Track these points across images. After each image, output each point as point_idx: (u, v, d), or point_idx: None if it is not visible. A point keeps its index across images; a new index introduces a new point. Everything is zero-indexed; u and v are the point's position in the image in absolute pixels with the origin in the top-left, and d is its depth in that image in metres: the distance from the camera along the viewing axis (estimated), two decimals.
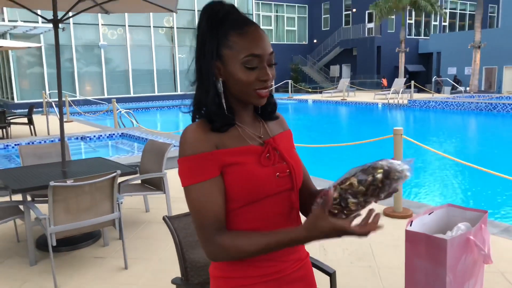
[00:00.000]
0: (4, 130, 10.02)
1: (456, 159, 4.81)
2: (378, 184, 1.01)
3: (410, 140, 4.78)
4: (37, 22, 18.19)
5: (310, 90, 28.49)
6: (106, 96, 21.57)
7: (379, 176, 1.00)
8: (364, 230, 1.01)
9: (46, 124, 11.18)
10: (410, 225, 1.44)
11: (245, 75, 1.10)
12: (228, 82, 1.13)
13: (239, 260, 1.13)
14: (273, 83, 1.21)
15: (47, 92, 19.38)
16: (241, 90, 1.13)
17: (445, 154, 4.83)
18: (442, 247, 1.29)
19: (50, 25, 3.94)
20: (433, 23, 33.86)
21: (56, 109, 10.27)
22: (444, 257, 1.27)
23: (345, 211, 1.03)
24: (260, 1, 31.26)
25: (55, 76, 22.40)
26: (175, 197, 5.00)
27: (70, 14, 4.05)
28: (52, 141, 8.49)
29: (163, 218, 2.16)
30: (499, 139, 12.14)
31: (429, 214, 1.56)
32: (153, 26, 23.69)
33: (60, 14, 3.99)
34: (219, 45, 1.12)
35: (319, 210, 1.02)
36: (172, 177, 4.46)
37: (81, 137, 9.74)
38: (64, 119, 11.82)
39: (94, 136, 9.85)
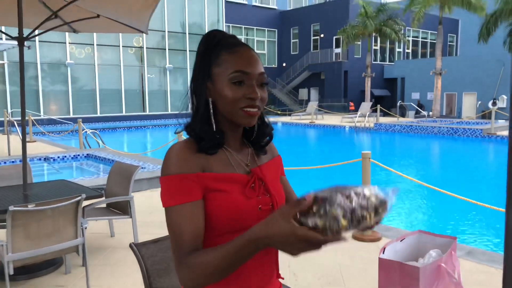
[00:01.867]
0: None
1: (422, 182, 4.93)
2: (366, 221, 0.91)
3: (378, 164, 4.87)
4: (1, 38, 17.70)
5: (279, 112, 28.80)
6: (71, 115, 21.03)
7: (368, 219, 0.90)
8: (327, 238, 0.87)
9: (7, 144, 10.75)
10: (383, 253, 1.44)
11: (231, 91, 1.09)
12: (217, 101, 1.13)
13: (208, 284, 1.00)
14: (263, 106, 1.21)
15: (9, 110, 18.73)
16: (228, 109, 1.11)
17: (412, 178, 4.94)
18: (415, 275, 1.29)
19: (14, 42, 3.82)
20: (397, 49, 35.21)
21: (18, 129, 9.90)
22: (417, 285, 1.27)
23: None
24: (231, 24, 31.66)
25: (17, 94, 21.77)
26: (141, 222, 4.87)
27: (37, 32, 3.94)
28: (13, 162, 8.14)
29: (130, 246, 2.08)
30: (460, 163, 12.59)
31: (401, 240, 1.57)
32: (122, 46, 23.50)
33: (26, 32, 3.88)
34: (210, 65, 1.13)
35: (287, 207, 0.90)
36: (139, 200, 4.35)
37: (45, 158, 9.40)
38: (27, 139, 11.45)
39: (58, 157, 9.53)
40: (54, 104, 21.66)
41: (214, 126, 1.13)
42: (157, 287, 2.03)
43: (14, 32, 3.90)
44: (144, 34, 4.95)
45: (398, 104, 28.75)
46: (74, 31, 4.77)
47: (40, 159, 9.31)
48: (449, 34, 36.48)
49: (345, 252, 4.09)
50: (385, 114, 25.10)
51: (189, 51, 26.10)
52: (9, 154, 10.03)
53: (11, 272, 2.92)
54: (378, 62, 33.40)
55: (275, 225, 0.90)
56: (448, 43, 37.09)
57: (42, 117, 19.45)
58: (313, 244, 0.87)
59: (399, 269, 1.35)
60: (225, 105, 1.11)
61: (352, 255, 4.03)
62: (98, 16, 4.31)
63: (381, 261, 1.39)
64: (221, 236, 1.10)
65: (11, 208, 2.84)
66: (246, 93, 1.09)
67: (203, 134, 1.11)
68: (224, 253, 0.96)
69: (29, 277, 3.51)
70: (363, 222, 0.89)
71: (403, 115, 27.06)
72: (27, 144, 8.89)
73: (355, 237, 4.48)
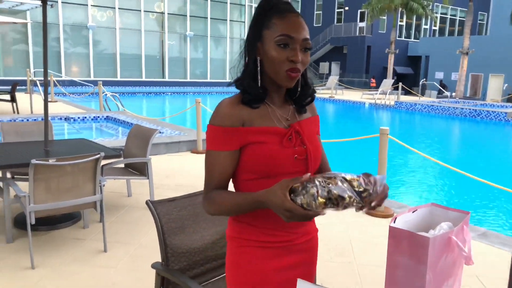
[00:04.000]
0: None
1: (439, 161, 4.88)
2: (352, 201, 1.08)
3: (396, 141, 4.83)
4: None
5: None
6: (92, 78, 21.22)
7: (348, 199, 1.07)
8: (308, 213, 1.05)
9: (29, 103, 10.96)
10: (394, 222, 1.45)
11: (276, 52, 1.21)
12: (264, 61, 1.25)
13: (219, 215, 1.27)
14: (304, 70, 1.31)
15: (32, 70, 18.98)
16: (273, 69, 1.24)
17: (428, 156, 4.89)
18: (424, 245, 1.30)
19: (37, 2, 3.84)
20: (423, 26, 34.17)
21: (40, 88, 10.07)
22: (426, 255, 1.28)
23: (307, 206, 1.07)
24: None
25: (40, 55, 22.04)
26: (157, 184, 4.98)
27: None
28: (35, 119, 8.32)
29: (146, 203, 2.14)
30: (481, 145, 12.37)
31: (413, 212, 1.58)
32: (144, 11, 23.35)
33: None
34: (262, 27, 1.24)
35: (286, 181, 1.09)
36: (156, 164, 4.42)
37: (65, 118, 9.58)
38: (49, 99, 11.62)
39: (79, 117, 9.70)
40: (75, 66, 21.86)
41: (259, 83, 1.26)
42: (171, 243, 2.10)
43: None
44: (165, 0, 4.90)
45: (420, 83, 28.15)
46: None
47: (60, 119, 9.50)
48: (479, 12, 35.14)
49: (357, 227, 4.12)
50: (406, 93, 24.65)
51: (210, 18, 25.78)
52: (31, 112, 10.25)
53: (33, 222, 3.04)
54: (403, 38, 32.53)
55: (272, 194, 1.09)
56: (478, 21, 35.78)
57: (63, 78, 19.66)
58: (298, 216, 1.06)
59: (408, 238, 1.37)
60: (270, 65, 1.24)
61: (363, 230, 4.06)
62: None
63: (391, 229, 1.41)
64: (257, 180, 1.26)
65: (33, 161, 2.94)
66: (289, 55, 1.21)
67: (248, 88, 1.27)
68: (236, 201, 1.21)
69: (49, 229, 3.65)
70: (342, 201, 1.06)
71: (424, 94, 26.54)
72: (49, 103, 9.07)
73: (367, 212, 4.50)
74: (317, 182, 1.07)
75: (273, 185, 1.12)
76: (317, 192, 1.05)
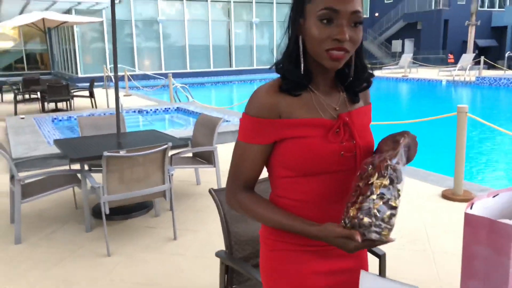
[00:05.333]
0: (67, 102, 10.57)
1: None
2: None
3: (476, 118, 4.44)
4: None
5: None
6: (163, 71, 22.09)
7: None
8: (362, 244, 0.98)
9: (105, 97, 11.65)
10: (471, 208, 1.30)
11: (318, 30, 1.02)
12: (306, 40, 1.07)
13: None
14: (354, 49, 1.08)
15: (108, 66, 20.16)
16: (314, 49, 1.05)
17: None
18: (508, 234, 1.14)
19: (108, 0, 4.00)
20: None
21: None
22: (509, 245, 1.12)
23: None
24: None
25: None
26: (225, 171, 5.02)
27: None
28: (111, 113, 8.81)
29: (209, 191, 2.14)
30: None
31: (493, 196, 1.39)
32: (211, 1, 23.75)
33: None
34: (304, 1, 1.06)
35: (335, 230, 1.01)
36: (223, 151, 4.47)
37: (138, 111, 10.06)
38: (123, 93, 12.29)
39: (151, 109, 10.13)
40: (147, 59, 22.88)
41: (302, 65, 1.09)
42: (234, 231, 2.08)
43: None
44: None
45: (506, 55, 25.78)
46: None
47: (134, 112, 9.99)
48: None
49: (433, 212, 3.87)
50: (490, 67, 22.70)
51: (276, 3, 25.57)
52: (107, 106, 10.91)
53: (107, 212, 3.20)
54: (486, 8, 29.92)
55: (325, 233, 1.02)
56: None
57: (137, 72, 20.68)
58: (361, 244, 0.98)
59: (488, 226, 1.21)
60: (311, 45, 1.06)
61: (438, 215, 3.80)
62: None
63: (467, 217, 1.26)
64: (296, 178, 1.12)
65: (105, 153, 3.08)
66: (334, 33, 1.01)
67: (287, 73, 1.10)
68: (274, 218, 1.11)
69: (123, 218, 3.84)
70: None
71: (510, 67, 24.27)
72: (123, 97, 9.55)
73: (444, 196, 4.20)
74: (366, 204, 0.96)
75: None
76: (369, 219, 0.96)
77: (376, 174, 0.98)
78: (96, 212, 3.88)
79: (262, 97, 1.10)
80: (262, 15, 25.33)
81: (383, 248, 1.79)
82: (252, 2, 24.91)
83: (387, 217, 0.95)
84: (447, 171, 5.01)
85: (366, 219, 0.95)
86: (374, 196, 0.96)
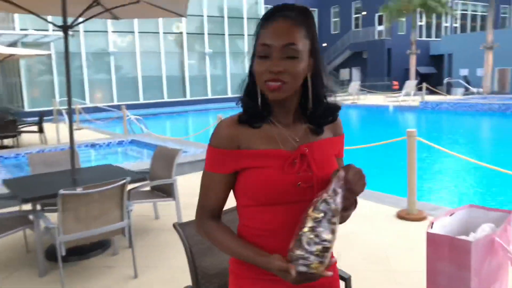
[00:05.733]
0: (14, 139, 10.08)
1: (471, 159, 4.70)
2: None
3: (424, 142, 4.68)
4: (48, 30, 18.44)
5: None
6: (115, 103, 21.70)
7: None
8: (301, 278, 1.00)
9: (56, 132, 11.24)
10: (431, 227, 1.37)
11: (257, 65, 1.11)
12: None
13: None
14: (293, 80, 1.11)
15: (57, 100, 19.57)
16: (258, 83, 1.13)
17: (459, 155, 4.72)
18: (467, 250, 1.22)
19: (61, 33, 3.93)
20: (444, 24, 33.57)
21: (66, 117, 10.34)
22: (469, 260, 1.20)
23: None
24: (269, 5, 31.32)
25: (65, 84, 22.56)
26: (185, 204, 4.95)
27: (80, 20, 4.04)
28: (62, 149, 8.50)
29: (173, 225, 2.10)
30: None
31: (450, 215, 1.48)
32: (163, 32, 23.84)
33: (70, 21, 3.98)
34: (256, 40, 1.15)
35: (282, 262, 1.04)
36: (181, 183, 4.41)
37: (91, 144, 9.76)
38: (74, 127, 11.93)
39: (104, 143, 9.87)
40: (98, 92, 22.42)
41: (259, 99, 1.15)
42: (201, 265, 2.05)
43: (59, 21, 4.01)
44: (183, 20, 4.97)
45: (445, 81, 27.54)
46: (115, 17, 4.85)
47: (87, 146, 9.68)
48: (501, 5, 34.28)
49: (390, 232, 3.99)
50: (431, 92, 24.12)
51: (228, 35, 26.09)
52: (58, 142, 10.50)
53: (63, 253, 3.05)
54: (424, 38, 32.01)
55: (270, 264, 1.07)
56: (501, 15, 34.88)
57: (88, 105, 20.16)
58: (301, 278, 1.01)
59: (448, 243, 1.28)
60: (256, 80, 1.13)
61: (397, 235, 3.93)
62: (138, 1, 4.36)
63: (429, 236, 1.33)
64: (256, 207, 1.15)
65: (61, 191, 2.96)
66: (268, 66, 1.08)
67: (245, 106, 1.17)
68: (232, 247, 1.16)
69: (79, 259, 3.66)
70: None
71: (449, 92, 25.93)
72: (75, 131, 9.26)
73: (399, 216, 4.36)
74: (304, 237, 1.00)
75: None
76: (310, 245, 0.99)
77: (312, 207, 1.01)
78: (50, 254, 3.68)
79: (223, 129, 1.16)
80: (215, 46, 25.72)
81: (348, 270, 1.83)
82: (204, 34, 25.27)
83: (317, 250, 0.97)
84: (401, 192, 5.21)
85: (297, 252, 0.98)
86: (306, 229, 0.99)
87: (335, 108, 1.23)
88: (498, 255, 1.29)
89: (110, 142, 9.93)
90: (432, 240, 1.35)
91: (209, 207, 1.22)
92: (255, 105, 1.15)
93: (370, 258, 3.47)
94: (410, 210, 4.39)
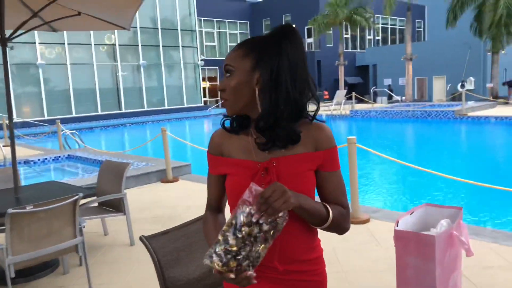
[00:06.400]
0: None
1: (407, 163, 5.08)
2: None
3: (363, 148, 5.01)
4: None
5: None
6: (46, 117, 20.53)
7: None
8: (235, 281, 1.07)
9: None
10: (397, 225, 1.54)
11: None
12: None
13: None
14: (230, 95, 1.24)
15: None
16: None
17: (396, 160, 5.09)
18: (431, 243, 1.37)
19: None
20: (367, 37, 35.70)
21: None
22: (433, 252, 1.35)
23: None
24: (203, 18, 31.41)
25: None
26: (133, 218, 4.86)
27: (18, 32, 3.87)
28: None
29: (140, 238, 2.12)
30: (435, 142, 12.97)
31: (411, 214, 1.67)
32: (94, 44, 23.00)
33: (7, 33, 3.81)
34: None
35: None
36: (128, 198, 4.33)
37: (24, 161, 9.18)
38: (2, 143, 11.15)
39: (39, 159, 9.32)
40: (27, 106, 21.07)
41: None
42: (169, 276, 2.08)
43: None
44: (115, 31, 4.91)
45: (371, 90, 29.24)
46: (54, 30, 4.69)
47: (19, 163, 9.05)
48: (416, 20, 37.19)
49: (337, 235, 4.21)
50: (359, 101, 25.49)
51: (162, 46, 25.77)
52: None
53: (13, 275, 2.90)
54: (350, 50, 33.80)
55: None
56: (416, 29, 37.82)
57: (15, 120, 18.86)
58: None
59: (415, 238, 1.43)
60: None
61: (343, 237, 4.15)
62: (79, 14, 4.26)
63: (397, 233, 1.49)
64: (233, 208, 1.24)
65: (10, 210, 2.82)
66: None
67: (225, 118, 1.33)
68: (206, 234, 1.33)
69: (27, 280, 3.48)
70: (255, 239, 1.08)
71: (375, 100, 27.57)
72: (3, 148, 8.67)
73: None
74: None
75: None
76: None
77: (233, 216, 1.11)
78: None
79: (213, 137, 1.34)
80: (149, 57, 25.27)
81: None
82: (138, 46, 24.75)
83: (220, 250, 1.07)
84: None
85: (209, 249, 1.10)
86: (220, 233, 1.10)
87: (291, 132, 1.20)
88: (455, 247, 1.47)
89: (45, 158, 9.39)
90: (400, 237, 1.49)
91: (209, 202, 1.41)
92: (237, 117, 1.29)
93: None
94: (354, 213, 4.66)
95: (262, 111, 1.19)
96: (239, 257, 1.06)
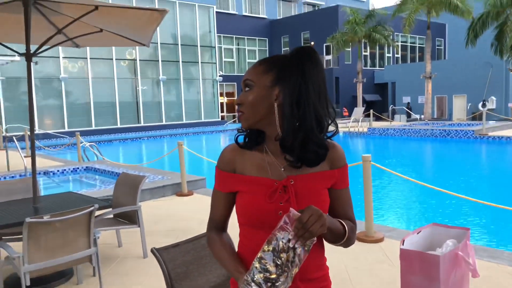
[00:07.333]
0: None
1: (421, 182, 5.03)
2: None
3: (378, 166, 4.98)
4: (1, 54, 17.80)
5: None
6: (66, 129, 21.00)
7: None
8: None
9: (5, 159, 10.71)
10: (403, 244, 1.54)
11: None
12: None
13: None
14: (248, 110, 1.26)
15: (4, 126, 18.65)
16: None
17: (412, 179, 5.05)
18: (436, 263, 1.37)
19: (8, 58, 3.89)
20: (387, 55, 35.62)
21: (17, 143, 9.88)
22: (438, 272, 1.34)
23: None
24: (222, 35, 31.88)
25: (11, 110, 21.27)
26: (147, 231, 4.92)
27: (43, 48, 4.02)
28: (12, 177, 8.14)
29: (151, 250, 2.16)
30: (454, 162, 12.76)
31: (417, 233, 1.67)
32: (116, 59, 23.55)
33: (32, 48, 3.96)
34: None
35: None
36: (143, 211, 4.39)
37: (44, 172, 9.39)
38: (24, 154, 11.44)
39: (58, 170, 9.53)
40: (48, 118, 21.61)
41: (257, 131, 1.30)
42: None
43: (21, 49, 3.98)
44: (136, 47, 5.05)
45: (390, 108, 29.05)
46: (77, 46, 4.86)
47: (39, 173, 9.29)
48: (436, 38, 37.00)
49: (350, 254, 4.17)
50: (377, 119, 25.33)
51: (182, 62, 26.21)
52: (8, 170, 10.00)
53: (28, 283, 2.96)
54: (369, 67, 33.75)
55: (238, 282, 1.16)
56: (436, 47, 37.60)
57: (37, 131, 19.36)
58: None
59: (419, 258, 1.43)
60: None
61: (356, 256, 4.12)
62: (101, 30, 4.41)
63: (402, 252, 1.49)
64: (248, 227, 1.28)
65: (28, 220, 2.90)
66: None
67: (239, 133, 1.33)
68: (220, 257, 1.30)
69: None
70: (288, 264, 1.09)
71: (393, 118, 27.37)
72: (25, 158, 8.88)
73: (358, 239, 4.57)
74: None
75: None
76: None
77: (269, 241, 1.12)
78: (9, 285, 3.54)
79: (225, 152, 1.31)
80: (168, 72, 25.71)
81: None
82: (158, 61, 25.24)
83: (259, 278, 1.07)
84: (358, 215, 5.46)
85: (245, 277, 1.10)
86: (256, 259, 1.11)
87: (321, 146, 1.23)
88: (461, 267, 1.46)
89: (64, 170, 9.59)
90: (405, 256, 1.50)
91: (214, 221, 1.37)
92: (247, 133, 1.29)
93: (333, 280, 3.61)
94: (368, 232, 4.61)
95: (286, 129, 1.20)
96: (277, 284, 1.07)
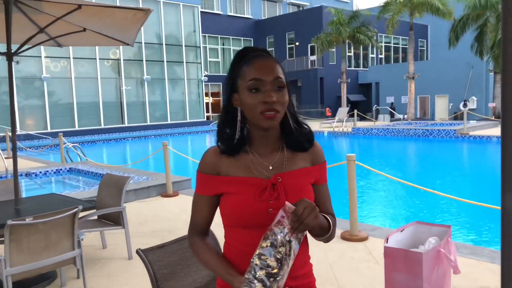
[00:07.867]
0: None
1: (407, 182, 5.10)
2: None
3: (363, 165, 5.04)
4: None
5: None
6: (49, 130, 20.66)
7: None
8: None
9: None
10: (387, 242, 1.57)
11: (250, 98, 1.21)
12: (243, 108, 1.26)
13: None
14: (284, 109, 1.26)
15: None
16: (250, 114, 1.24)
17: (396, 178, 5.11)
18: (419, 260, 1.40)
19: None
20: (370, 55, 35.98)
21: None
22: (421, 269, 1.37)
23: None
24: (207, 34, 31.79)
25: None
26: (132, 232, 4.88)
27: (25, 47, 3.96)
28: None
29: (137, 251, 2.14)
30: (437, 161, 12.97)
31: (401, 231, 1.69)
32: (99, 58, 23.27)
33: (13, 47, 3.90)
34: (236, 78, 1.26)
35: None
36: (127, 212, 4.36)
37: (26, 173, 9.23)
38: (5, 155, 11.22)
39: (40, 172, 9.37)
40: (30, 119, 21.24)
41: (238, 131, 1.27)
42: None
43: (2, 48, 3.92)
44: (120, 47, 5.01)
45: (373, 108, 29.36)
46: (59, 45, 4.79)
47: (21, 175, 9.12)
48: (419, 39, 37.52)
49: (335, 252, 4.21)
50: (361, 119, 25.57)
51: (167, 61, 26.05)
52: None
53: (10, 287, 2.92)
54: (353, 68, 34.04)
55: (232, 284, 1.18)
56: (419, 48, 38.13)
57: (19, 132, 19.00)
58: None
59: (403, 255, 1.46)
60: (248, 111, 1.24)
61: (341, 255, 4.15)
62: (84, 30, 4.36)
63: (387, 249, 1.52)
64: (235, 228, 1.28)
65: (9, 222, 2.86)
66: (263, 98, 1.20)
67: (220, 137, 1.29)
68: (208, 262, 1.29)
69: None
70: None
71: (377, 118, 27.65)
72: (5, 160, 8.72)
73: (343, 237, 4.61)
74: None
75: (237, 276, 1.18)
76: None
77: (263, 237, 1.13)
78: None
79: (207, 156, 1.30)
80: (153, 72, 25.52)
81: None
82: (142, 61, 25.03)
83: (261, 275, 1.08)
84: (342, 214, 5.51)
85: (246, 276, 1.11)
86: (255, 256, 1.11)
87: (307, 134, 1.33)
88: (443, 264, 1.50)
89: (47, 171, 9.45)
90: (389, 253, 1.52)
91: (197, 225, 1.36)
92: (230, 136, 1.27)
93: (318, 278, 3.62)
94: (352, 231, 4.66)
95: (297, 123, 1.31)
96: (278, 278, 1.08)
